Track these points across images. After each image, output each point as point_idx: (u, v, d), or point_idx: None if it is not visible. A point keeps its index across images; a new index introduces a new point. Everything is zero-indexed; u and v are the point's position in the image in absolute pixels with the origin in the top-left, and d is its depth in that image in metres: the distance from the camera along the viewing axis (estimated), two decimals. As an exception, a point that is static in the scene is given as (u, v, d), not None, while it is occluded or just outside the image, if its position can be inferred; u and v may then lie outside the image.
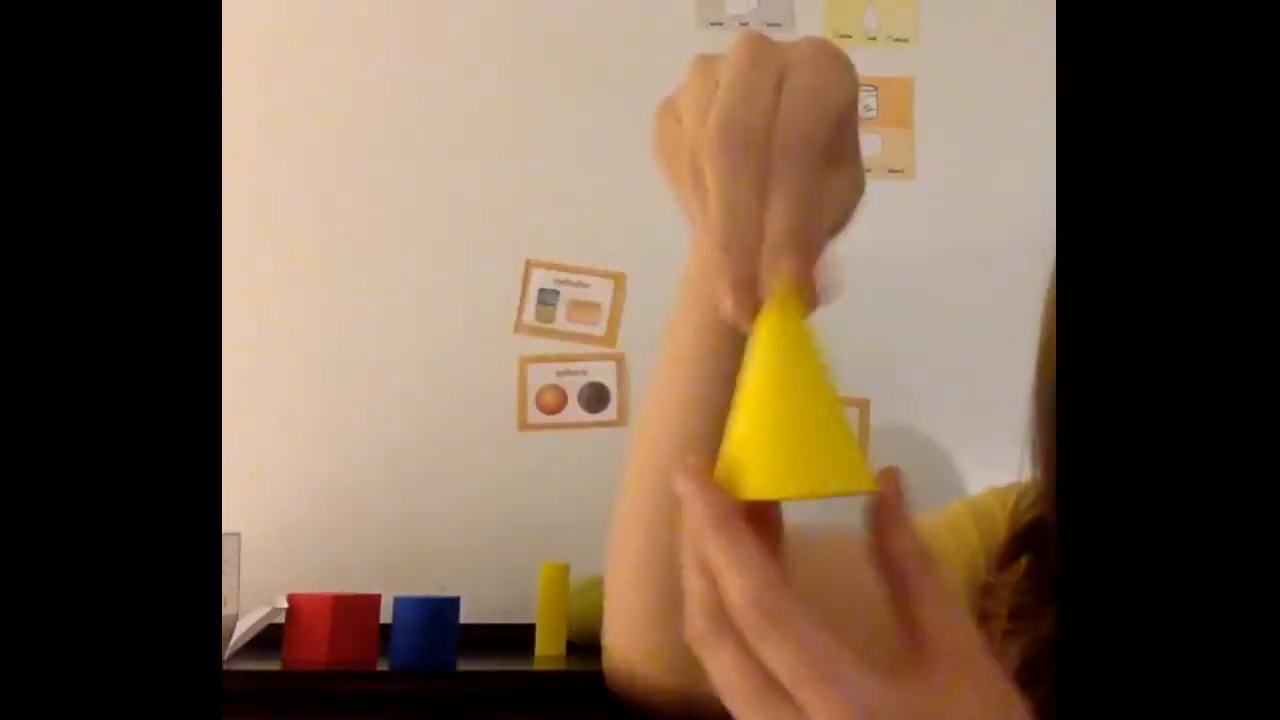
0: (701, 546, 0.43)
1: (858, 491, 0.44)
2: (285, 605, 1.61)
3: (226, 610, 1.52)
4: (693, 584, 0.43)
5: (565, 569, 1.73)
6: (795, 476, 0.43)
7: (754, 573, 0.41)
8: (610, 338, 1.95)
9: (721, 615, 0.42)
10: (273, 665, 1.55)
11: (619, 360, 1.95)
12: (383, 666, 1.56)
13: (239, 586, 1.56)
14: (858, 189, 0.47)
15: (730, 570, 0.42)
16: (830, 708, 0.39)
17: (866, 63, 2.07)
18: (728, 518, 0.43)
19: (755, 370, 0.45)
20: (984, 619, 0.65)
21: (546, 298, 1.97)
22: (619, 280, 1.96)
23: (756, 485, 0.43)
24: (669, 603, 0.54)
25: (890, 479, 0.45)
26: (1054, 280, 0.62)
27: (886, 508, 0.44)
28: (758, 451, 0.44)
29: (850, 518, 0.47)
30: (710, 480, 0.44)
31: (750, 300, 0.44)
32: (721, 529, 0.42)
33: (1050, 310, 0.64)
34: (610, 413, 1.94)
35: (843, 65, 0.45)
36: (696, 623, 0.43)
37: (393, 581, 1.71)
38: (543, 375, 1.95)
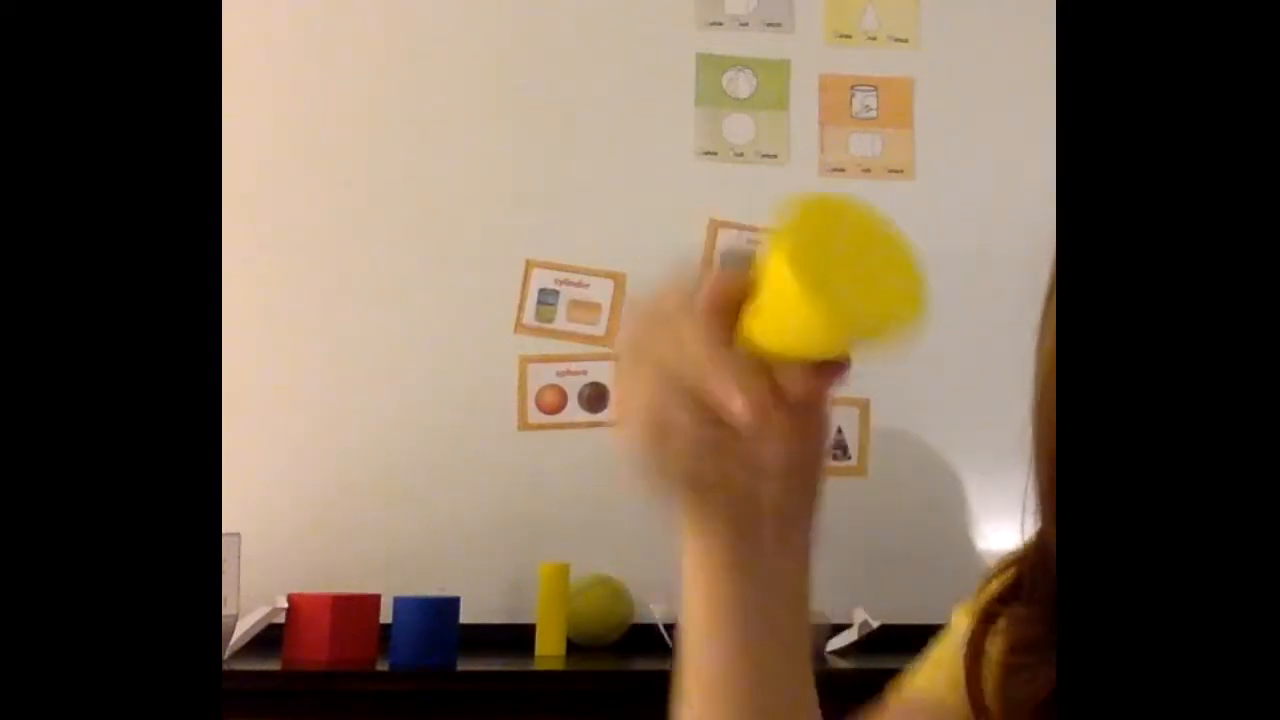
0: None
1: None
2: (285, 605, 1.61)
3: (226, 610, 1.52)
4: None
5: (565, 569, 1.73)
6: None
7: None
8: (610, 338, 1.95)
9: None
10: (273, 665, 1.55)
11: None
12: (383, 666, 1.56)
13: (239, 586, 1.56)
14: None
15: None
16: None
17: (866, 63, 2.07)
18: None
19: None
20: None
21: (546, 298, 1.97)
22: (619, 280, 1.96)
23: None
24: None
25: None
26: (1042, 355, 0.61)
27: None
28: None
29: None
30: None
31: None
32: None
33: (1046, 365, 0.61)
34: (610, 413, 1.94)
35: None
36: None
37: (393, 581, 1.71)
38: (543, 375, 1.95)
